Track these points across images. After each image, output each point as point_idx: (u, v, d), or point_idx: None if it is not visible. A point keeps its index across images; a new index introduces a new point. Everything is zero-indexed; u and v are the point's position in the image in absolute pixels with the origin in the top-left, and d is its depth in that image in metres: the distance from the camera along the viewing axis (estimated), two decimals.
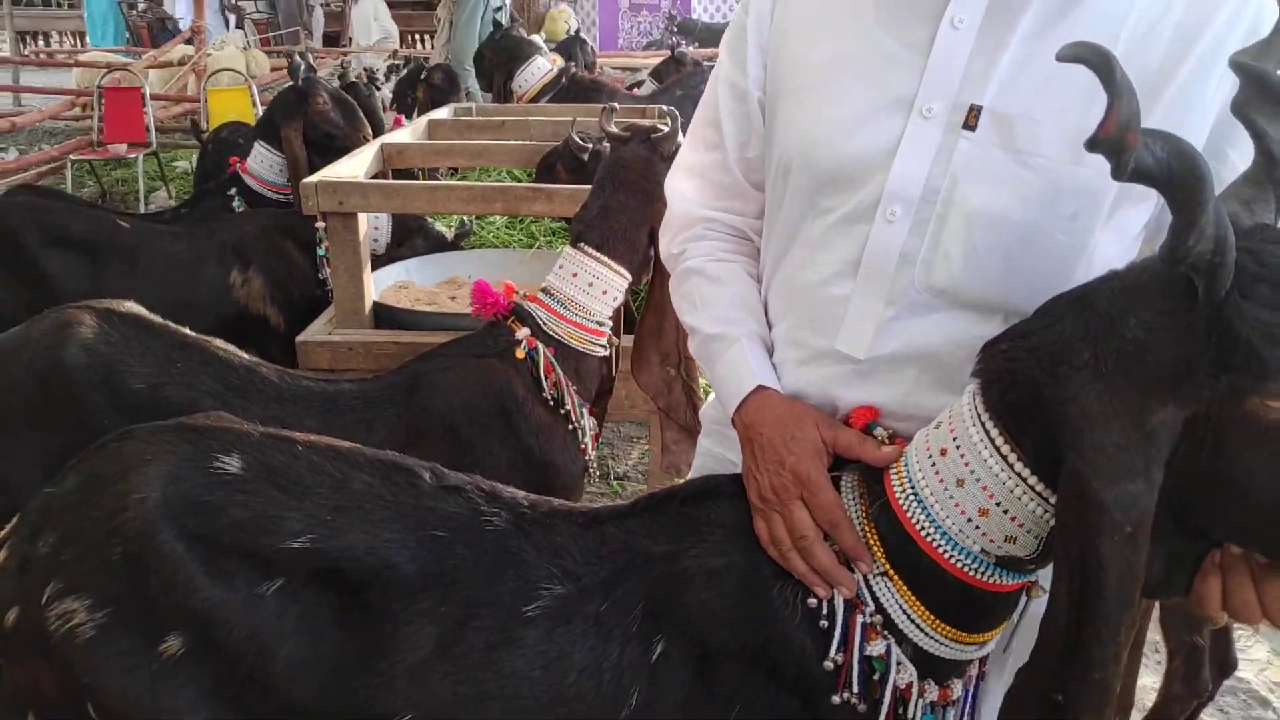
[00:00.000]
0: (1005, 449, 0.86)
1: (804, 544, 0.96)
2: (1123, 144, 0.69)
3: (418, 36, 12.67)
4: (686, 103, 4.59)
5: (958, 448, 0.89)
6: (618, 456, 3.55)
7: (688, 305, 1.20)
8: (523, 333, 1.77)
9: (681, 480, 1.58)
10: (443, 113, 3.64)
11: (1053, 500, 0.84)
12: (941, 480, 0.90)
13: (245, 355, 1.77)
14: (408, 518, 1.08)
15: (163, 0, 11.71)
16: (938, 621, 0.92)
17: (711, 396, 1.26)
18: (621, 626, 1.00)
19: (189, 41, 8.80)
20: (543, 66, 4.36)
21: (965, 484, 0.88)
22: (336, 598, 1.04)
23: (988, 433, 0.86)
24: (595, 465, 1.89)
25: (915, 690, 0.93)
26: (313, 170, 2.94)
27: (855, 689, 0.92)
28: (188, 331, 1.76)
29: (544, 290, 1.83)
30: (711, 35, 10.94)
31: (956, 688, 0.97)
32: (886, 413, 1.05)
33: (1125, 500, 0.75)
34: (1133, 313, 0.78)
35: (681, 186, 1.23)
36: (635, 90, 5.15)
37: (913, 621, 0.92)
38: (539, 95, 4.27)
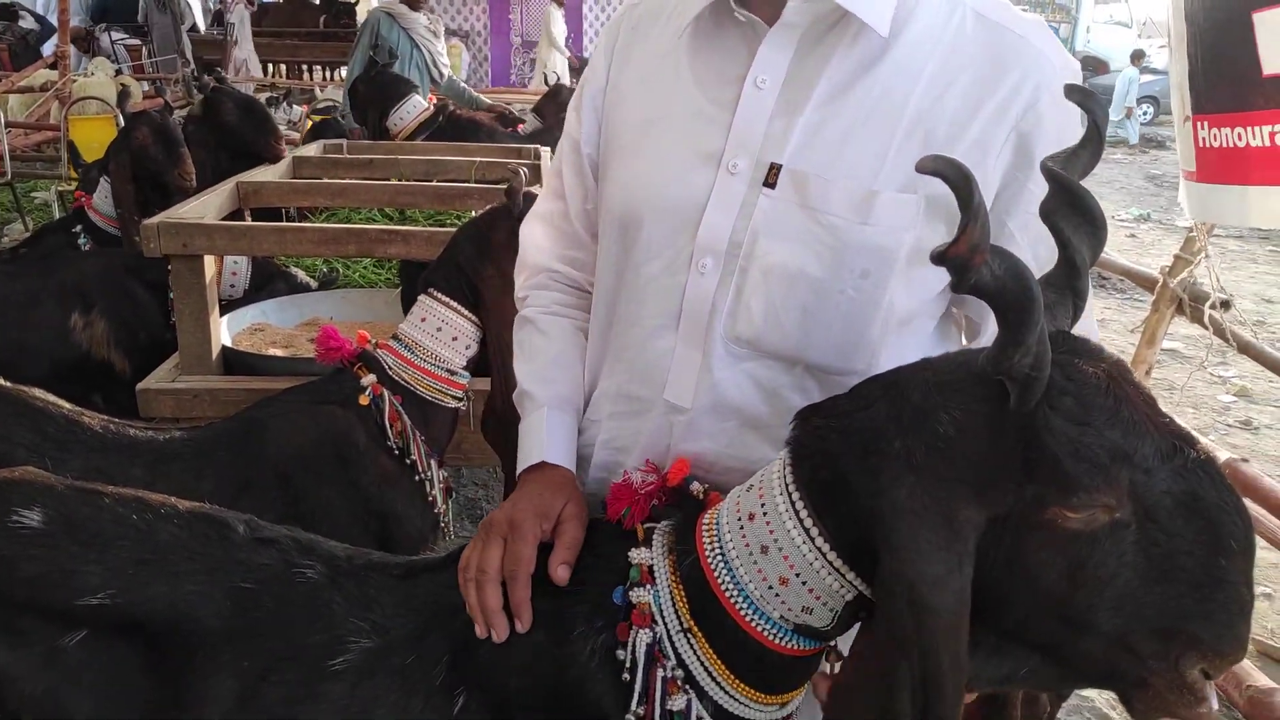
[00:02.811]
0: (809, 523, 0.88)
1: (481, 579, 1.00)
2: (969, 264, 0.71)
3: (304, 68, 12.39)
4: None
5: (764, 515, 0.91)
6: (493, 499, 3.49)
7: (518, 352, 1.24)
8: (368, 379, 1.73)
9: None
10: (310, 149, 3.56)
11: (849, 576, 0.87)
12: (747, 545, 0.91)
13: (66, 405, 1.67)
14: (215, 570, 1.07)
15: (18, 17, 11.15)
16: (737, 681, 0.93)
17: None
18: (426, 680, 1.00)
19: (53, 66, 8.39)
20: (419, 104, 4.31)
21: (769, 551, 0.90)
22: (136, 653, 1.02)
23: (794, 504, 0.89)
24: (449, 517, 1.84)
25: None
26: (145, 208, 2.84)
27: None
28: (2, 382, 1.66)
29: (394, 337, 1.79)
30: None
31: None
32: (711, 463, 1.08)
33: (948, 600, 0.77)
34: (945, 409, 0.80)
35: (534, 232, 1.27)
36: (520, 128, 5.14)
37: (713, 679, 0.93)
38: (415, 133, 4.22)
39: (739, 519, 0.93)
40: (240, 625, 1.04)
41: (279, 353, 2.56)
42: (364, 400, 1.71)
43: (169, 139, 2.87)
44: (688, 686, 0.94)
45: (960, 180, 0.71)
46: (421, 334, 1.76)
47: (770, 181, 0.99)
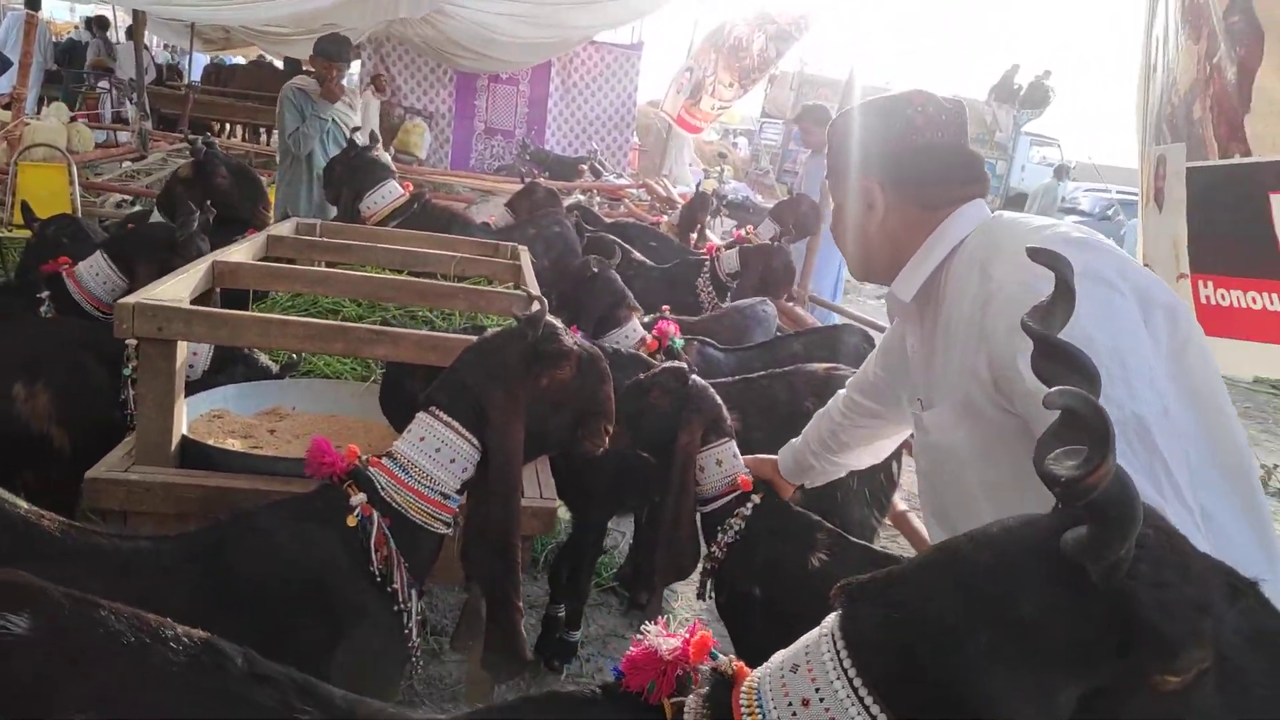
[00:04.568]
0: (875, 709, 0.86)
1: None
2: (1095, 489, 0.75)
3: (264, 131, 12.28)
4: (538, 242, 4.60)
5: (821, 700, 0.89)
6: (436, 608, 3.33)
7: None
8: (358, 498, 1.62)
9: None
10: (284, 228, 3.47)
11: None
12: None
13: (24, 505, 1.53)
14: (208, 704, 1.01)
15: None
16: None
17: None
18: None
19: (7, 107, 8.17)
20: (394, 190, 4.27)
21: None
22: None
23: (855, 690, 0.87)
24: (420, 654, 1.72)
25: None
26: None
27: None
28: None
29: (388, 454, 1.69)
30: (563, 168, 11.23)
31: None
32: None
33: None
34: (1023, 595, 0.80)
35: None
36: (492, 220, 5.12)
37: None
38: (388, 219, 4.16)
39: (789, 703, 0.91)
40: None
41: (237, 444, 2.43)
42: (351, 521, 1.60)
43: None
44: None
45: (1096, 418, 0.75)
46: (419, 454, 1.66)
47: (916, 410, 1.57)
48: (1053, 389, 0.77)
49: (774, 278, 4.57)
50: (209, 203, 3.14)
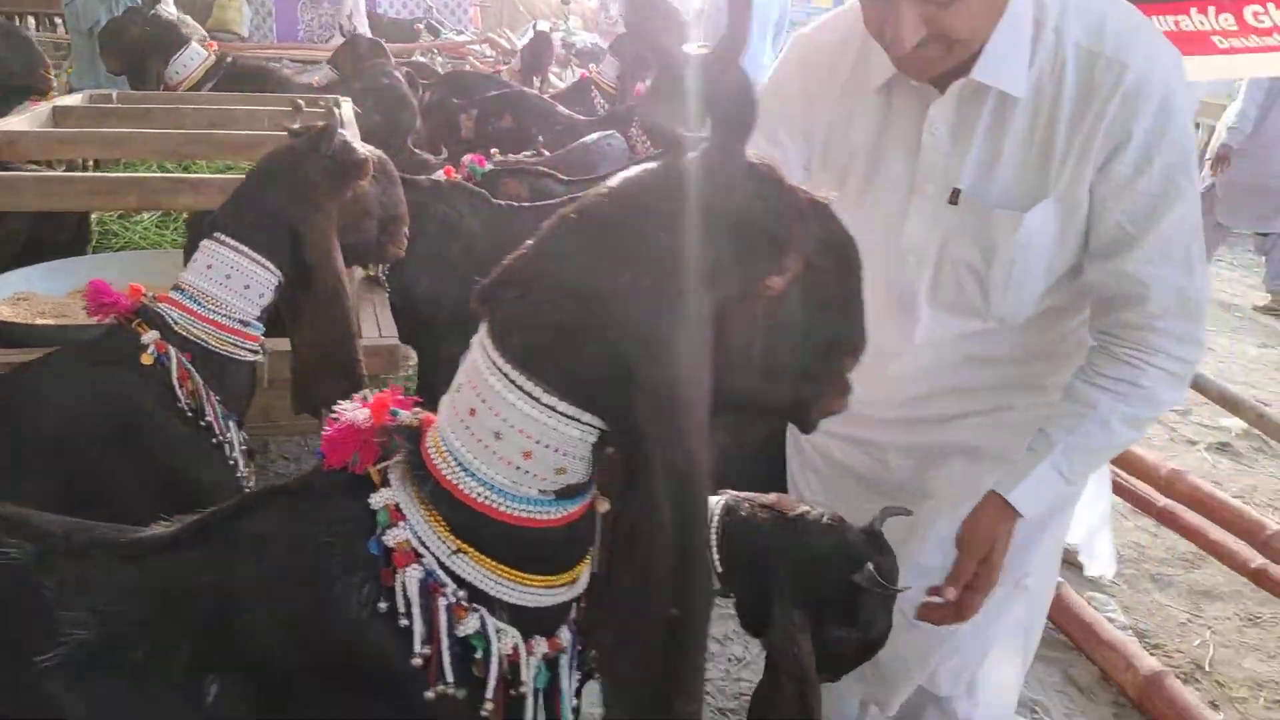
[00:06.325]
0: (530, 386, 0.87)
1: None
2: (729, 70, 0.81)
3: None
4: (366, 96, 4.34)
5: (484, 402, 0.89)
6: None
7: None
8: (149, 335, 1.55)
9: None
10: (73, 99, 3.19)
11: (586, 419, 0.88)
12: (479, 439, 0.90)
13: None
14: None
15: None
16: (527, 576, 0.92)
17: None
18: (164, 674, 0.90)
19: None
20: (200, 53, 3.96)
21: (502, 435, 0.89)
22: None
23: (508, 377, 0.88)
24: (253, 482, 1.70)
25: (523, 651, 0.93)
26: None
27: (450, 678, 0.90)
28: None
29: (176, 288, 1.62)
30: (398, 31, 10.62)
31: (563, 635, 0.98)
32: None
33: (698, 388, 0.83)
34: (655, 229, 0.83)
35: None
36: (315, 81, 4.83)
37: (502, 584, 0.92)
38: (200, 84, 3.88)
39: (460, 420, 0.91)
40: None
41: (52, 324, 2.29)
42: (147, 359, 1.53)
43: None
44: (475, 604, 0.92)
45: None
46: (208, 282, 1.59)
47: (954, 200, 1.37)
48: None
49: None
50: None
